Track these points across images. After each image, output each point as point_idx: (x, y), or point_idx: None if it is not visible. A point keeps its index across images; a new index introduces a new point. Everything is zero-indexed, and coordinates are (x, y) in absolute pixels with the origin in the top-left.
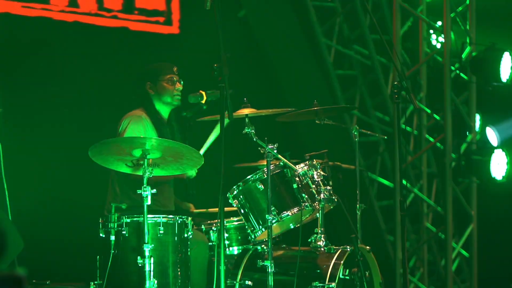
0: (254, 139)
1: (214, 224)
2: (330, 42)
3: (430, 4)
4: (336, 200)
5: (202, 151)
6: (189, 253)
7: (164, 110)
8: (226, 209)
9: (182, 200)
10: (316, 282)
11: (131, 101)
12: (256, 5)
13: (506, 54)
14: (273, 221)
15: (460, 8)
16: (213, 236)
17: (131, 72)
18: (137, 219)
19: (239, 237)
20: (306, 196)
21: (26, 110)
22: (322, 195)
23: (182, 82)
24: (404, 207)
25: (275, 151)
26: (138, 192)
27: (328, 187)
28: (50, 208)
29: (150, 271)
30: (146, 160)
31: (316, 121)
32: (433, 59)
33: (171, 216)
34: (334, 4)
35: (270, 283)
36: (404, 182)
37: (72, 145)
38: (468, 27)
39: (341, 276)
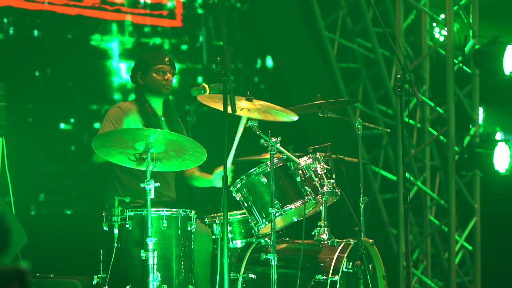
0: (257, 132)
1: (217, 218)
2: (333, 36)
3: None
4: (339, 193)
5: (230, 160)
6: (192, 247)
7: (155, 101)
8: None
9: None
10: (320, 275)
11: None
12: None
13: (509, 47)
14: (277, 214)
15: (463, 1)
16: (217, 229)
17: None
18: (141, 212)
19: (243, 231)
20: (309, 189)
21: (28, 103)
22: (325, 188)
23: (174, 73)
24: (407, 200)
25: (278, 144)
26: (142, 186)
27: (331, 180)
28: (53, 201)
29: (153, 264)
30: (149, 153)
31: (319, 115)
32: (436, 52)
33: (174, 209)
34: None
35: (273, 276)
36: (407, 175)
37: (75, 138)
38: (471, 20)
39: (344, 269)
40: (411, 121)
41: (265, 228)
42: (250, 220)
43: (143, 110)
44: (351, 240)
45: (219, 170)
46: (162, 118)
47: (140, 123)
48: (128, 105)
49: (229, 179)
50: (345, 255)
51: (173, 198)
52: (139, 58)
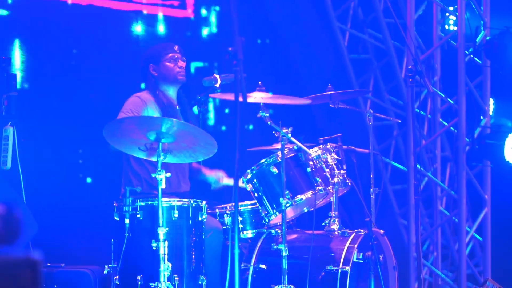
0: (269, 122)
1: (228, 208)
2: (344, 26)
3: None
4: (350, 183)
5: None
6: (203, 237)
7: (171, 90)
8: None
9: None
10: (330, 266)
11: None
12: None
13: None
14: (287, 205)
15: None
16: (227, 220)
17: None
18: (152, 202)
19: (253, 221)
20: (320, 180)
21: (40, 93)
22: (336, 179)
23: (185, 60)
24: (418, 191)
25: (289, 134)
26: (153, 176)
27: (342, 171)
28: (64, 191)
29: (164, 254)
30: (160, 144)
31: (330, 105)
32: (447, 43)
33: (185, 199)
34: None
35: (284, 267)
36: (418, 166)
37: (87, 128)
38: (482, 11)
39: (355, 260)
40: (422, 112)
41: (276, 219)
42: (260, 211)
43: (159, 101)
44: (362, 230)
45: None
46: (177, 108)
47: (158, 113)
48: (145, 95)
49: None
50: (356, 245)
51: (187, 190)
52: (147, 51)
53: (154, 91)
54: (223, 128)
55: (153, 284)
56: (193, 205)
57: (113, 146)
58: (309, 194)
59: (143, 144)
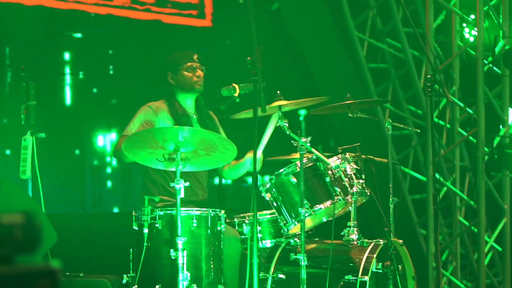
0: (287, 132)
1: (246, 217)
2: (363, 36)
3: None
4: (368, 193)
5: (259, 151)
6: (222, 246)
7: (188, 99)
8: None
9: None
10: (349, 276)
11: (159, 93)
12: None
13: None
14: (306, 214)
15: (493, 1)
16: (246, 229)
17: None
18: (170, 212)
19: (272, 231)
20: (339, 190)
21: (59, 102)
22: (355, 189)
23: (204, 69)
24: (437, 201)
25: (308, 144)
26: (171, 185)
27: (361, 181)
28: (84, 200)
29: (183, 264)
30: (179, 153)
31: (349, 115)
32: (466, 53)
33: (204, 209)
34: None
35: (303, 276)
36: (437, 175)
37: (104, 137)
38: (501, 20)
39: (374, 270)
40: (441, 122)
41: (295, 228)
42: (279, 220)
43: (173, 110)
44: (381, 240)
45: (250, 155)
46: (194, 117)
47: (171, 122)
48: (158, 105)
49: (259, 166)
50: (375, 255)
51: (205, 197)
52: (167, 59)
53: (171, 100)
54: None
55: None
56: (212, 214)
57: (128, 158)
58: (328, 203)
59: (161, 155)
